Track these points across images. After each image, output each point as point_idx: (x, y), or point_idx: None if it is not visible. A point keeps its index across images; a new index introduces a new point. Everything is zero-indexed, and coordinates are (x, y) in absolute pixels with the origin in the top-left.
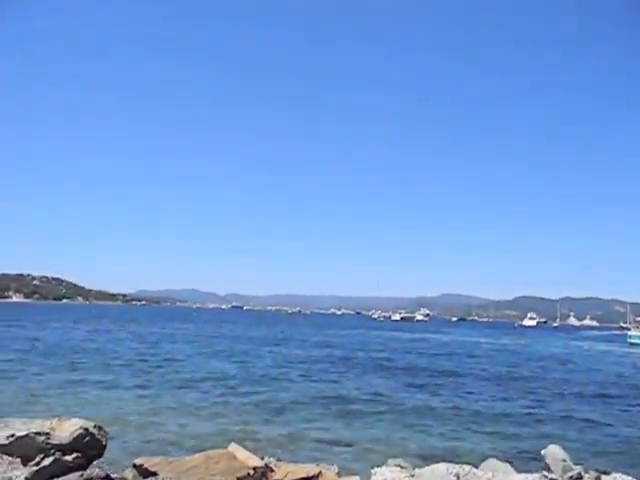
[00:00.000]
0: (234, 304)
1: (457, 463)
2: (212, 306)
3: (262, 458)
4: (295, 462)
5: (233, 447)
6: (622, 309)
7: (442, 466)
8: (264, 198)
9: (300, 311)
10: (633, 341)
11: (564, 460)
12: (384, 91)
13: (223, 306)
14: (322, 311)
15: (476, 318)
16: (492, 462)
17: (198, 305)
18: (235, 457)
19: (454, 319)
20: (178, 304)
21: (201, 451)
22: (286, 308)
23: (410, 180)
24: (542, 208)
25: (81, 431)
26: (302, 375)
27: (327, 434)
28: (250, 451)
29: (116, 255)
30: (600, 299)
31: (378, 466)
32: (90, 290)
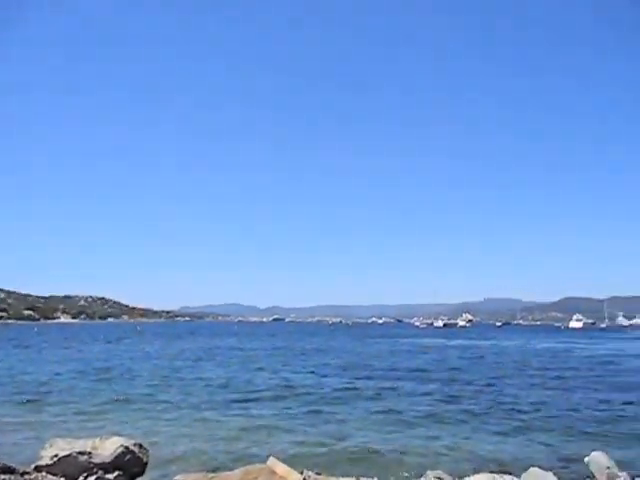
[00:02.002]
0: (275, 316)
1: (498, 473)
2: (253, 319)
3: (301, 472)
4: (335, 476)
5: (272, 462)
6: None
7: (482, 477)
8: (301, 209)
9: (341, 321)
10: None
11: (608, 467)
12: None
13: (264, 319)
14: (363, 320)
15: (521, 322)
16: (534, 471)
17: (240, 319)
18: (274, 472)
19: (498, 324)
20: (220, 319)
21: (241, 466)
22: (327, 319)
23: (447, 185)
24: (577, 208)
25: (122, 449)
26: (344, 385)
27: (370, 445)
28: (290, 465)
29: (158, 272)
30: None
31: (417, 478)
32: (134, 308)
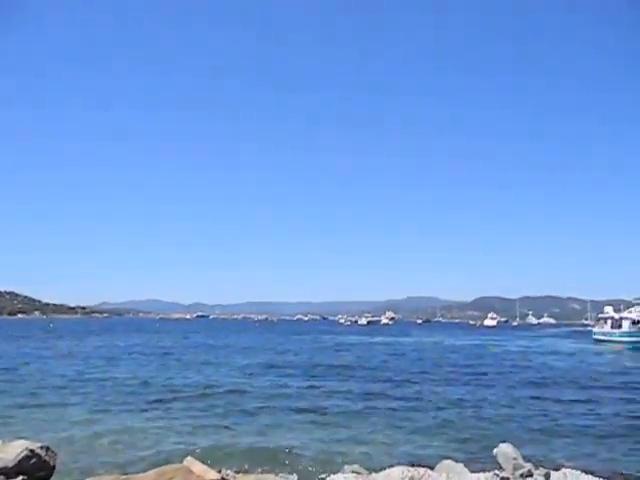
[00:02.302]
0: (199, 313)
1: (413, 466)
2: (176, 316)
3: (219, 471)
4: (254, 473)
5: (189, 461)
6: (577, 306)
7: (397, 470)
8: (226, 206)
9: (267, 318)
10: (598, 337)
11: (515, 458)
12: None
13: (187, 316)
14: (289, 317)
15: (440, 319)
16: (447, 463)
17: (162, 316)
18: (191, 471)
19: (419, 321)
20: (141, 315)
21: (157, 467)
22: (253, 316)
23: (375, 183)
24: (508, 211)
25: (27, 453)
26: (267, 383)
27: (290, 442)
28: (208, 464)
29: (75, 268)
30: (557, 297)
31: (334, 473)
32: (47, 304)
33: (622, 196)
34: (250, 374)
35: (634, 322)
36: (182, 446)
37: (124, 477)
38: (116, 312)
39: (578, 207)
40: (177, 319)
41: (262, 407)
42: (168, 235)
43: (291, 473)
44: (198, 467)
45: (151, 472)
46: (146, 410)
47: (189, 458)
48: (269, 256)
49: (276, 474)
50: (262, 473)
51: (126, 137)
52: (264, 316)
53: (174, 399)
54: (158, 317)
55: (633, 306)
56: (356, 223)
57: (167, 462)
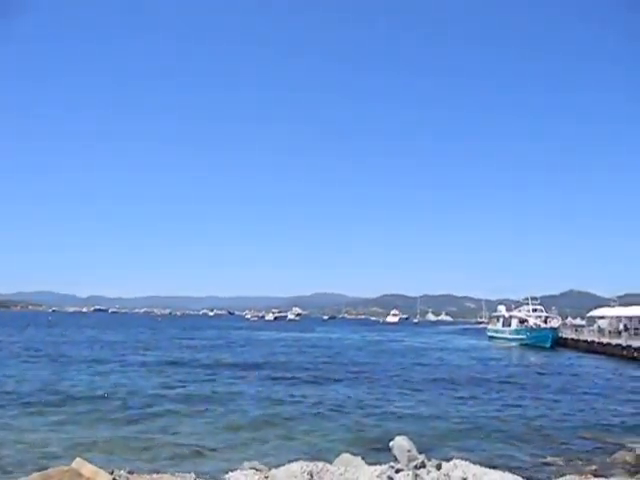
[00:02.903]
0: (97, 307)
1: (312, 461)
2: (71, 309)
3: (111, 472)
4: (150, 473)
5: (78, 463)
6: (472, 305)
7: (296, 465)
8: (129, 198)
9: (171, 313)
10: (491, 335)
11: (409, 450)
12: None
13: (84, 309)
14: (194, 312)
15: (345, 315)
16: (345, 457)
17: (55, 308)
18: (80, 474)
19: (325, 317)
20: (31, 308)
21: (43, 469)
22: (155, 310)
23: (283, 178)
24: (408, 212)
25: None
26: (164, 381)
27: (188, 440)
28: (100, 464)
29: None
30: (454, 296)
31: (232, 470)
32: None
33: (509, 211)
34: (147, 372)
35: (521, 321)
36: (70, 448)
37: None
38: (2, 304)
39: (474, 213)
40: (72, 312)
41: (159, 406)
42: (65, 221)
43: (189, 471)
44: (88, 469)
45: (35, 475)
46: (30, 412)
47: (78, 459)
48: (174, 250)
49: (172, 473)
50: (158, 472)
51: None
52: (167, 311)
53: (61, 400)
54: (50, 310)
55: (522, 305)
56: (263, 219)
57: (53, 465)
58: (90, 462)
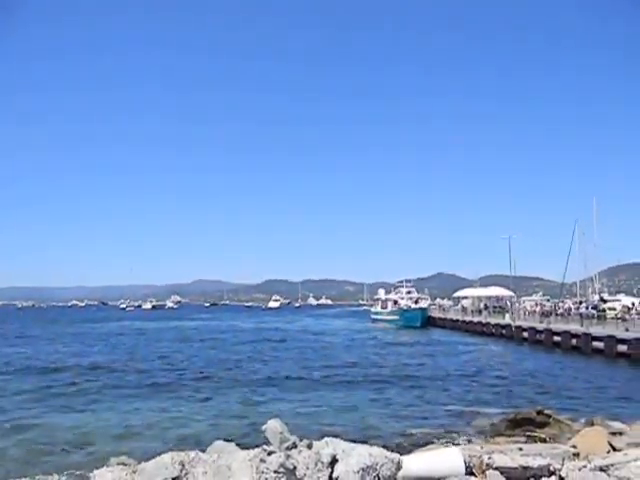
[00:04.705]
0: None
1: (184, 450)
2: None
3: None
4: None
5: None
6: (351, 289)
7: (166, 457)
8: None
9: (34, 305)
10: (373, 317)
11: (281, 432)
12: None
13: None
14: (62, 303)
15: (228, 302)
16: (218, 444)
17: None
18: None
19: (207, 304)
20: None
21: None
22: (16, 302)
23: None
24: (284, 198)
25: None
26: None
27: (51, 439)
28: None
29: None
30: (334, 280)
31: (97, 468)
32: None
33: (382, 199)
34: None
35: (395, 302)
36: None
37: None
38: None
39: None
40: None
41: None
42: None
43: (50, 473)
44: None
45: None
46: None
47: None
48: (36, 235)
49: (32, 477)
50: (19, 477)
51: None
52: (30, 302)
53: None
54: None
55: (397, 288)
56: (142, 204)
57: None
58: None
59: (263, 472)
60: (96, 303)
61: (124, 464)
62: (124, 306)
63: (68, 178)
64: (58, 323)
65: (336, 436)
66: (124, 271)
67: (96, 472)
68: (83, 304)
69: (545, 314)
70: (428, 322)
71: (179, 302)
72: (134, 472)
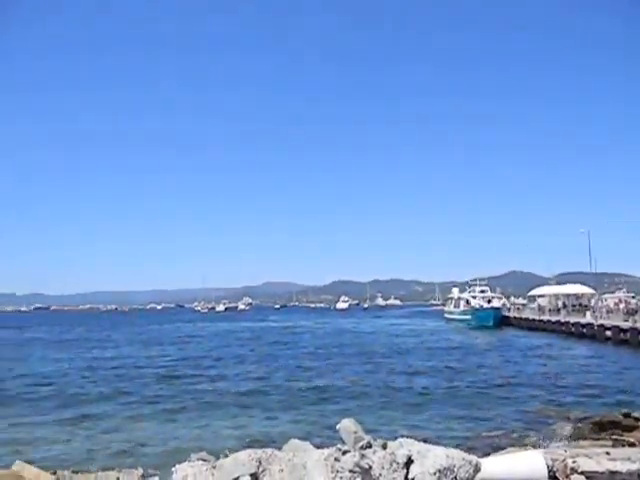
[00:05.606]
0: (37, 305)
1: (260, 448)
2: (9, 309)
3: (54, 473)
4: (93, 471)
5: (19, 465)
6: (420, 288)
7: (244, 453)
8: (65, 192)
9: (117, 308)
10: (446, 317)
11: (355, 432)
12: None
13: (23, 308)
14: (141, 306)
15: (297, 303)
16: (293, 442)
17: None
18: (21, 476)
19: (277, 306)
20: None
21: None
22: (100, 306)
23: (228, 171)
24: (357, 199)
25: None
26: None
27: (135, 435)
28: (42, 466)
29: None
30: (402, 280)
31: (179, 463)
32: None
33: (454, 197)
34: (90, 369)
35: (467, 302)
36: (10, 451)
37: None
38: None
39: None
40: (10, 312)
41: (102, 404)
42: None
43: (135, 467)
44: (29, 471)
45: None
46: None
47: (18, 462)
48: (119, 243)
49: (119, 470)
50: (103, 470)
51: None
52: (113, 306)
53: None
54: None
55: (470, 287)
56: (209, 210)
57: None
58: (32, 464)
59: (338, 471)
60: (172, 306)
61: (204, 460)
62: (199, 308)
63: (136, 197)
64: (151, 326)
65: (410, 437)
66: (197, 274)
67: (178, 467)
68: (160, 307)
69: (630, 312)
70: (502, 322)
71: (250, 304)
72: (213, 467)
